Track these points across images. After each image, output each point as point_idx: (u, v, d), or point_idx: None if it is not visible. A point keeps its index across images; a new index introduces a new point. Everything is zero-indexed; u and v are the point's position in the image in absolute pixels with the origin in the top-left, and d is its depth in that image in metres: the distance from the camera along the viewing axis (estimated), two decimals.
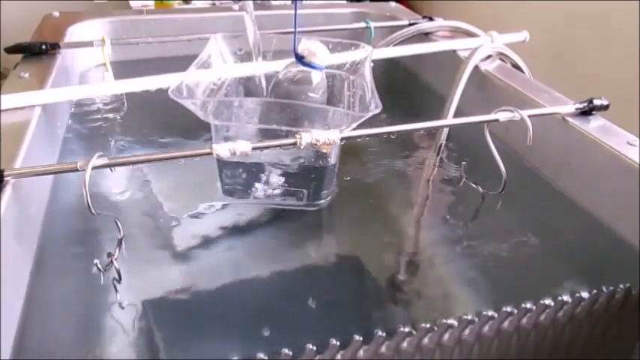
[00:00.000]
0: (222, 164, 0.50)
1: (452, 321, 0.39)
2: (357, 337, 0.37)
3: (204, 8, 1.06)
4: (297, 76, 0.50)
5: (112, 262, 0.42)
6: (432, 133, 0.67)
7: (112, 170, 0.44)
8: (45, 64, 0.67)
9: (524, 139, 0.50)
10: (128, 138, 0.65)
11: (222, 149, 0.43)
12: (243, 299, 0.43)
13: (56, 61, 0.68)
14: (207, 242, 0.49)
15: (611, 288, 0.43)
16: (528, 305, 0.41)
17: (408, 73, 0.89)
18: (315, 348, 0.36)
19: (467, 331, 0.40)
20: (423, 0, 2.01)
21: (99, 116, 0.70)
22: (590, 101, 0.58)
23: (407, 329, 0.38)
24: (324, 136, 0.44)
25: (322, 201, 0.52)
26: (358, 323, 0.40)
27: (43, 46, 0.69)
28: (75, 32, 0.83)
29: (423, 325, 0.39)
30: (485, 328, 0.40)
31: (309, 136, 0.44)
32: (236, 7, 0.93)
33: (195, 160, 0.45)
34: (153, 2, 1.46)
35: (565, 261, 0.51)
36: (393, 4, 1.04)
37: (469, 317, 0.40)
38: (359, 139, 0.51)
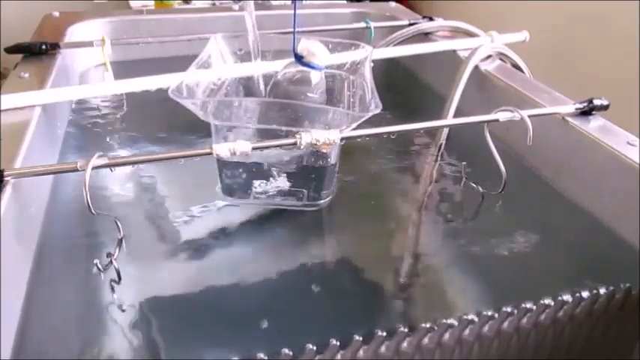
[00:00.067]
0: (222, 164, 0.50)
1: (452, 321, 0.39)
2: (357, 337, 0.37)
3: (204, 8, 1.06)
4: (296, 76, 0.50)
5: (111, 262, 0.42)
6: (432, 133, 0.67)
7: (112, 170, 0.44)
8: (45, 64, 0.67)
9: (524, 139, 0.50)
10: (128, 138, 0.65)
11: (222, 149, 0.43)
12: (243, 299, 0.43)
13: (56, 61, 0.68)
14: (207, 242, 0.49)
15: (611, 288, 0.43)
16: (528, 305, 0.41)
17: (408, 73, 0.89)
18: (315, 348, 0.36)
19: (467, 331, 0.40)
20: (423, 0, 2.01)
21: (99, 116, 0.70)
22: (590, 101, 0.58)
23: (407, 329, 0.38)
24: (324, 136, 0.44)
25: (322, 201, 0.52)
26: (358, 323, 0.40)
27: (43, 46, 0.69)
28: (75, 32, 0.83)
29: (423, 325, 0.39)
30: (486, 328, 0.40)
31: (309, 136, 0.44)
32: (236, 7, 0.93)
33: (195, 160, 0.45)
34: (153, 2, 1.46)
35: (565, 261, 0.51)
36: (393, 4, 1.04)
37: (469, 317, 0.40)
38: (359, 139, 0.51)
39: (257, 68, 0.56)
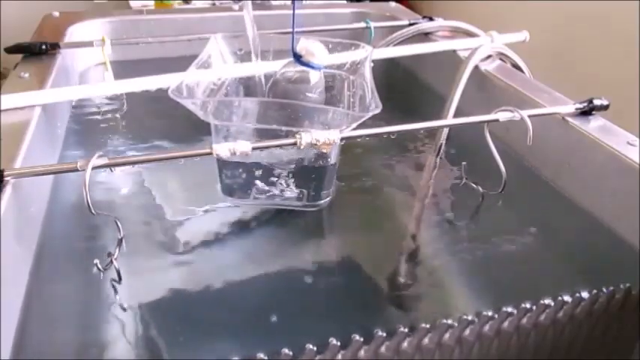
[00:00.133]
0: (222, 164, 0.50)
1: (452, 321, 0.39)
2: (357, 337, 0.37)
3: (204, 8, 1.06)
4: (295, 76, 0.50)
5: (111, 262, 0.42)
6: (432, 133, 0.67)
7: (112, 170, 0.44)
8: (45, 64, 0.67)
9: (524, 139, 0.50)
10: (128, 138, 0.65)
11: (222, 149, 0.43)
12: (243, 299, 0.43)
13: (56, 61, 0.68)
14: (207, 242, 0.49)
15: (611, 288, 0.43)
16: (528, 305, 0.41)
17: (408, 73, 0.89)
18: (315, 348, 0.36)
19: (467, 331, 0.40)
20: (423, 0, 2.01)
21: (99, 116, 0.70)
22: (590, 101, 0.58)
23: (407, 329, 0.38)
24: (324, 136, 0.44)
25: (322, 201, 0.52)
26: (358, 323, 0.40)
27: (43, 46, 0.69)
28: (75, 32, 0.83)
29: (423, 325, 0.39)
30: (486, 328, 0.40)
31: (309, 136, 0.44)
32: (236, 7, 0.93)
33: (195, 160, 0.45)
34: (153, 2, 1.46)
35: (565, 261, 0.51)
36: (393, 4, 1.04)
37: (469, 317, 0.40)
38: (359, 139, 0.51)
39: (257, 68, 0.56)
